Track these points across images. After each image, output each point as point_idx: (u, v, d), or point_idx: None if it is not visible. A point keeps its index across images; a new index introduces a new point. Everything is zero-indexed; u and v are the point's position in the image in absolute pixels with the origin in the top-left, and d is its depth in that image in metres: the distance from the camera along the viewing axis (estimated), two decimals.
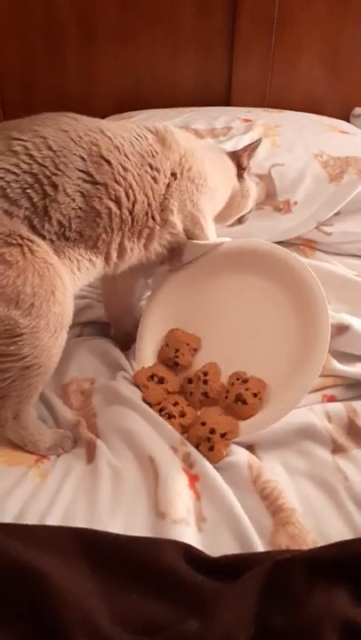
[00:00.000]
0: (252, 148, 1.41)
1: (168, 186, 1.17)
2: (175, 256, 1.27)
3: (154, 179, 1.14)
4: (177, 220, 1.19)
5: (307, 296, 1.16)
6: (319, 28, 1.88)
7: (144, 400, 1.17)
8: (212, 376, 1.18)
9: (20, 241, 0.97)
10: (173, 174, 1.17)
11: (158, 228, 1.17)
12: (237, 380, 1.16)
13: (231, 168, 1.38)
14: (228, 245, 1.25)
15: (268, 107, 1.93)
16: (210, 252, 1.25)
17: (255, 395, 1.13)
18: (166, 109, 1.87)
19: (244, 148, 1.40)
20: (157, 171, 1.15)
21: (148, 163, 1.14)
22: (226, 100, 1.97)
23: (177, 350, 1.23)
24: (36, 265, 0.97)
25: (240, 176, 1.39)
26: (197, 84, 1.96)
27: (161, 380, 1.20)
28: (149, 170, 1.14)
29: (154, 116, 1.80)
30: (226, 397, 1.15)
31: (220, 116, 1.77)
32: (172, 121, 1.73)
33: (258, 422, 1.11)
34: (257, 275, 1.22)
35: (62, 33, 1.89)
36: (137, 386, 1.19)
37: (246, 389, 1.14)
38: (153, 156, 1.15)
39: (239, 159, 1.39)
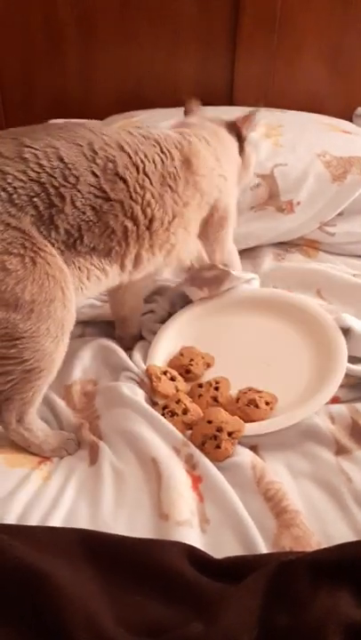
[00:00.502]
0: (250, 118, 1.39)
1: (190, 209, 1.19)
2: (214, 284, 1.33)
3: (175, 201, 1.15)
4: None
5: (323, 336, 1.26)
6: (321, 27, 1.88)
7: (154, 390, 1.17)
8: (222, 385, 1.19)
9: (21, 251, 0.97)
10: (195, 202, 1.20)
11: (180, 244, 1.19)
12: (249, 390, 1.17)
13: (235, 150, 1.37)
14: (252, 291, 1.39)
15: (270, 106, 1.92)
16: (234, 290, 1.37)
17: (267, 403, 1.15)
18: (168, 109, 1.86)
19: (244, 119, 1.38)
20: (179, 196, 1.16)
21: (169, 185, 1.14)
22: (228, 100, 1.97)
23: (191, 360, 1.25)
24: (36, 276, 0.97)
25: (241, 148, 1.39)
26: (199, 83, 1.96)
27: (172, 379, 1.21)
28: (170, 191, 1.14)
29: (155, 116, 1.80)
30: (237, 401, 1.15)
31: (222, 115, 1.76)
32: (174, 120, 1.73)
33: (264, 425, 1.11)
34: (274, 317, 1.33)
35: (63, 32, 1.89)
36: (149, 376, 1.19)
37: (260, 397, 1.15)
38: (175, 179, 1.15)
39: (239, 131, 1.37)
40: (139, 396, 1.15)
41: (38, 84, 1.98)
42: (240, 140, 1.38)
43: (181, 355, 1.27)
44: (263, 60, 1.93)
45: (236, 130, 1.37)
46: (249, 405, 1.14)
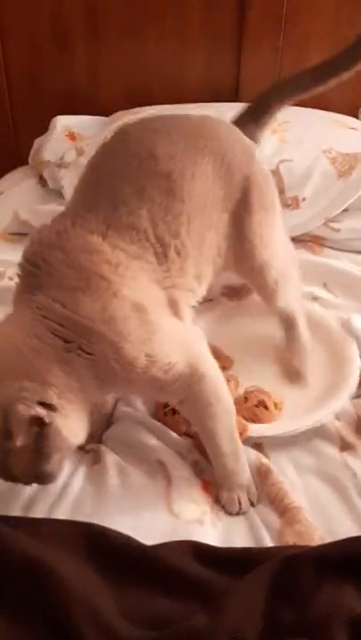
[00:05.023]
0: None
1: None
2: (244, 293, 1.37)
3: None
4: None
5: (337, 345, 1.25)
6: (328, 23, 1.87)
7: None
8: (232, 385, 1.19)
9: None
10: None
11: None
12: (256, 389, 1.17)
13: None
14: None
15: None
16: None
17: (276, 405, 1.14)
18: (174, 105, 1.86)
19: None
20: None
21: None
22: (234, 96, 1.96)
23: None
24: None
25: None
26: (205, 79, 1.95)
27: None
28: None
29: (161, 112, 1.79)
30: (245, 401, 1.15)
31: (228, 111, 1.76)
32: None
33: (271, 428, 1.11)
34: None
35: (70, 29, 1.88)
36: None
37: (269, 399, 1.15)
38: None
39: None
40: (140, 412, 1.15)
41: (45, 81, 1.97)
42: None
43: None
44: (269, 57, 1.92)
45: None
46: (258, 406, 1.13)
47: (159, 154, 0.99)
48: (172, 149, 1.00)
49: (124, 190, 0.97)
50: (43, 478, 0.89)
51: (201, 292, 1.06)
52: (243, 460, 1.01)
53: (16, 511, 0.95)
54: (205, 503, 0.99)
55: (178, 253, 0.99)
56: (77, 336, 0.87)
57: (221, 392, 0.98)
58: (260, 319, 1.32)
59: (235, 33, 1.89)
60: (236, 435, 1.01)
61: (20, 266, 0.95)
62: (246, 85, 1.95)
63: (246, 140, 1.13)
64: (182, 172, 1.00)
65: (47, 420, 0.83)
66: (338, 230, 1.60)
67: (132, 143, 1.02)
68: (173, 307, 0.99)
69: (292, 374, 1.22)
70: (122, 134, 1.06)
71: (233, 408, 1.01)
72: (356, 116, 1.94)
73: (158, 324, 0.92)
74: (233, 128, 1.13)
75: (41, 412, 0.82)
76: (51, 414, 0.84)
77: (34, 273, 0.92)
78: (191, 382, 0.94)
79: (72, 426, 0.87)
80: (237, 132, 1.13)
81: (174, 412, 1.11)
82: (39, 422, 0.83)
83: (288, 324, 1.24)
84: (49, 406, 0.84)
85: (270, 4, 1.83)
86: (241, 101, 1.94)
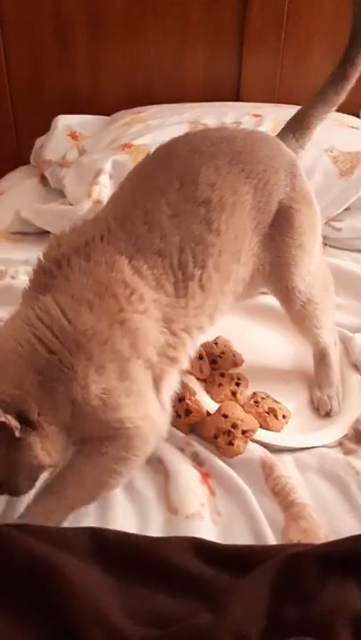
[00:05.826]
0: None
1: None
2: None
3: None
4: None
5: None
6: (329, 22, 1.87)
7: None
8: (243, 384, 1.20)
9: None
10: None
11: None
12: (268, 396, 1.17)
13: None
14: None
15: (277, 102, 1.92)
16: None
17: (284, 416, 1.15)
18: (176, 105, 1.87)
19: None
20: None
21: None
22: (235, 96, 1.97)
23: (222, 352, 1.24)
24: None
25: None
26: (206, 79, 1.96)
27: (200, 357, 1.19)
28: None
29: (163, 112, 1.80)
30: (256, 404, 1.15)
31: (229, 111, 1.77)
32: (181, 116, 1.73)
33: (273, 437, 1.11)
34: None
35: (71, 29, 1.89)
36: None
37: (279, 409, 1.15)
38: None
39: None
40: None
41: (47, 81, 1.98)
42: None
43: (215, 344, 1.26)
44: (271, 57, 1.93)
45: None
46: (269, 414, 1.14)
47: (201, 180, 0.96)
48: (215, 177, 0.97)
49: (161, 211, 0.94)
50: (9, 489, 0.87)
51: (211, 328, 1.03)
52: (60, 519, 0.92)
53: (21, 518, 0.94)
54: (203, 494, 0.99)
55: (202, 287, 0.96)
56: (63, 347, 0.84)
57: (131, 467, 0.93)
58: (270, 327, 1.33)
59: (236, 33, 1.89)
60: (84, 505, 0.94)
61: (39, 263, 0.94)
62: (247, 85, 1.96)
63: (289, 154, 1.09)
64: (222, 201, 0.97)
65: (18, 434, 0.81)
66: (339, 229, 1.61)
67: (177, 162, 0.98)
68: (165, 360, 0.95)
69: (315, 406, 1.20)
70: (168, 150, 1.02)
71: (114, 486, 0.94)
72: (357, 115, 1.94)
73: (137, 376, 0.90)
74: (278, 143, 1.09)
75: (13, 422, 0.80)
76: (28, 430, 0.83)
77: (52, 273, 0.91)
78: (127, 437, 0.90)
79: (48, 447, 0.85)
80: (282, 147, 1.09)
81: (179, 415, 1.11)
82: (10, 432, 0.81)
83: (319, 355, 1.21)
84: (28, 422, 0.83)
85: (271, 4, 1.84)
86: (242, 101, 1.95)
